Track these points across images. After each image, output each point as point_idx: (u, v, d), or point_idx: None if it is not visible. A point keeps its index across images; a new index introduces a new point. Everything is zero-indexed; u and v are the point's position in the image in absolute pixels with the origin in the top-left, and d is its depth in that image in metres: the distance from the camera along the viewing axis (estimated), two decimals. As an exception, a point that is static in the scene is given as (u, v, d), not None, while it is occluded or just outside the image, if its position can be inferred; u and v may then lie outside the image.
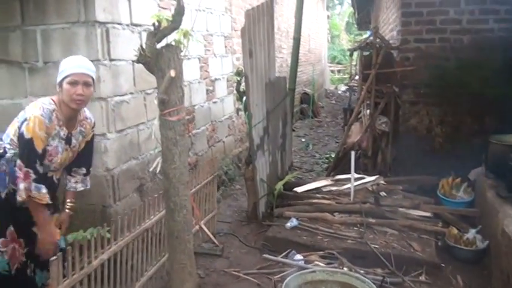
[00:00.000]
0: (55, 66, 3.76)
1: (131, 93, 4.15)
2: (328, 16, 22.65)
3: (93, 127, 2.99)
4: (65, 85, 2.65)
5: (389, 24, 7.17)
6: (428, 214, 4.50)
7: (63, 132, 2.74)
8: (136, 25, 4.19)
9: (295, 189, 5.19)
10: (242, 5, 7.24)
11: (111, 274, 2.81)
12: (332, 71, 24.26)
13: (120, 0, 3.98)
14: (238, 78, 5.19)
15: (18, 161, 2.56)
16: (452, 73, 5.34)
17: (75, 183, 2.99)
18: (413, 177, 5.26)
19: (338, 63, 26.28)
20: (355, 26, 20.08)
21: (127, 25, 4.07)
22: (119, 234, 2.89)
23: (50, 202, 2.64)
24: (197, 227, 4.10)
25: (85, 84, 2.68)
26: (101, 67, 3.71)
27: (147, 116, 4.40)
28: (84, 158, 2.99)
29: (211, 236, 4.31)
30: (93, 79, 2.75)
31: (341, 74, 24.58)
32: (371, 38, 6.14)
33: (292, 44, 7.18)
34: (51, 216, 2.77)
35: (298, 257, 3.91)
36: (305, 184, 5.33)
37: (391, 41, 6.20)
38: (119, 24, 3.94)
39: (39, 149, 2.58)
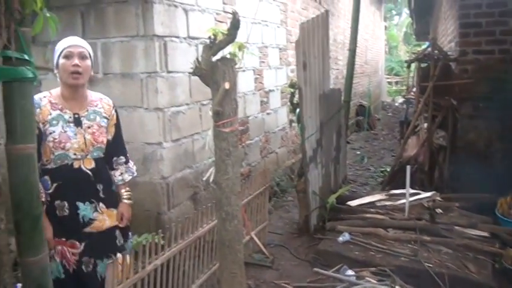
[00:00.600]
0: (115, 78, 3.95)
1: (187, 104, 4.27)
2: (385, 27, 22.35)
3: (113, 107, 2.90)
4: (61, 61, 2.61)
5: (447, 35, 6.98)
6: (485, 234, 4.31)
7: (68, 115, 2.67)
8: (193, 38, 4.31)
9: (348, 202, 5.13)
10: (298, 17, 7.29)
11: (164, 279, 2.88)
12: (389, 83, 23.84)
13: (178, 14, 4.11)
14: (292, 90, 5.21)
15: None
16: (512, 86, 5.14)
17: (121, 175, 2.92)
18: (471, 194, 5.06)
19: (395, 74, 25.77)
20: (414, 36, 19.66)
21: (184, 38, 4.19)
22: (172, 240, 2.97)
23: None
24: (248, 237, 4.13)
25: (80, 56, 2.62)
26: (158, 79, 3.84)
27: (202, 126, 4.50)
28: (117, 145, 2.92)
29: (262, 247, 4.32)
30: (89, 54, 2.70)
31: (398, 85, 24.09)
32: (429, 49, 6.01)
33: (348, 56, 7.15)
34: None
35: (350, 272, 3.85)
36: (359, 198, 5.26)
37: (449, 53, 6.04)
38: (176, 37, 4.07)
39: None
